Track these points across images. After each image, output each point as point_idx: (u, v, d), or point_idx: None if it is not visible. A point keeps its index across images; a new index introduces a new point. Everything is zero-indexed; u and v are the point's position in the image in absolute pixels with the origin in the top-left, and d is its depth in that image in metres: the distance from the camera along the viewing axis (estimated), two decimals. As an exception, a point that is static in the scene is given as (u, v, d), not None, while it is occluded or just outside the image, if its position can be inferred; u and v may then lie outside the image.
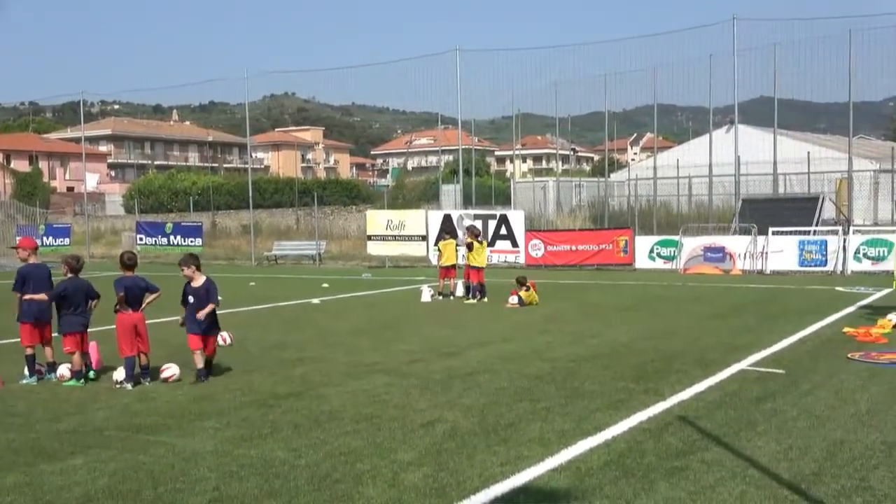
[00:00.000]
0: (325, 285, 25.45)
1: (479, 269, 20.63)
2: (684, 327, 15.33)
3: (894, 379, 10.29)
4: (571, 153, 79.59)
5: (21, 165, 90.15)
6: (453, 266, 21.60)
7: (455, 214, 32.87)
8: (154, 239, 39.00)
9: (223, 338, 12.87)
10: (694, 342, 13.46)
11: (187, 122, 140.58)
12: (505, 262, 31.48)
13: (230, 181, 68.85)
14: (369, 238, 34.49)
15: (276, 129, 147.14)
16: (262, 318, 17.76)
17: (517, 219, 32.31)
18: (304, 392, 10.09)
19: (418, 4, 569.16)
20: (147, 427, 8.60)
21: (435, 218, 32.80)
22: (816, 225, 30.00)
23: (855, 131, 34.77)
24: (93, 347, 11.78)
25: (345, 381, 10.70)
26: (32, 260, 11.54)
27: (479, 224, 30.70)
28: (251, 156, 73.39)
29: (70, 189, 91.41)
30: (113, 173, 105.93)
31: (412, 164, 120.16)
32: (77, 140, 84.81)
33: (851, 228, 28.44)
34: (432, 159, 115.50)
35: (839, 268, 27.13)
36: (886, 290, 21.34)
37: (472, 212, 34.09)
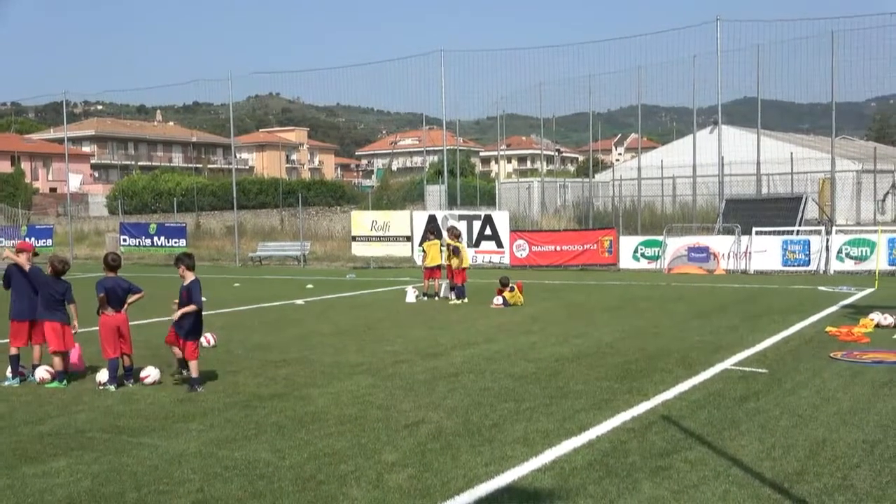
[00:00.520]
0: (310, 286, 25.40)
1: (462, 270, 20.62)
2: (668, 327, 15.38)
3: (876, 378, 10.35)
4: (556, 154, 79.76)
5: (3, 166, 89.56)
6: (438, 267, 21.59)
7: (440, 215, 32.86)
8: (138, 240, 38.82)
9: (206, 339, 12.82)
10: (678, 342, 13.51)
11: (171, 123, 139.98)
12: (490, 262, 31.50)
13: (214, 182, 68.57)
14: (354, 239, 34.45)
15: (261, 130, 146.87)
16: (246, 320, 17.71)
17: (502, 219, 32.33)
18: (289, 393, 10.07)
19: (403, 5, 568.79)
20: (130, 429, 8.56)
21: (420, 218, 32.79)
22: (799, 225, 30.16)
23: (837, 132, 34.99)
24: (75, 349, 11.74)
25: (329, 382, 10.68)
26: (23, 262, 11.48)
27: (463, 225, 30.72)
28: (235, 156, 73.35)
29: (53, 190, 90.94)
30: (96, 174, 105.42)
31: (397, 164, 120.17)
32: (60, 140, 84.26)
33: (834, 228, 28.60)
34: (417, 160, 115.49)
35: (822, 267, 27.27)
36: (869, 290, 21.48)
37: (456, 212, 34.10)
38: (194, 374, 10.40)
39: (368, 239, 33.72)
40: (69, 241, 45.39)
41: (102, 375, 10.65)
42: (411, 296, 20.82)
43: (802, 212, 31.41)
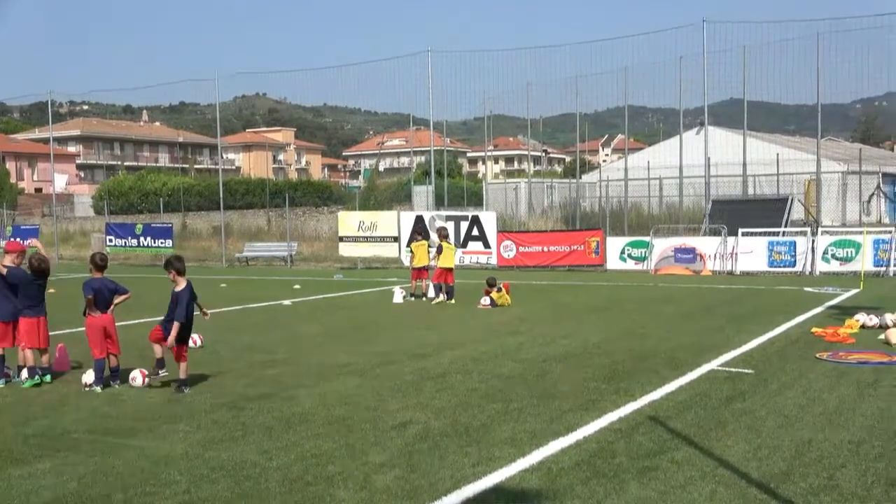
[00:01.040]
0: (297, 287, 25.37)
1: (448, 270, 20.60)
2: (655, 328, 15.42)
3: (862, 378, 10.40)
4: (543, 154, 79.74)
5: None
6: (425, 267, 21.59)
7: (427, 216, 32.86)
8: (124, 240, 38.66)
9: (193, 340, 12.78)
10: (665, 342, 13.54)
11: (157, 123, 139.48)
12: (477, 263, 31.52)
13: (201, 182, 68.36)
14: (341, 239, 34.42)
15: (248, 130, 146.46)
16: (232, 320, 17.67)
17: (489, 220, 32.35)
18: (276, 394, 10.05)
19: (390, 5, 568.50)
20: (117, 430, 8.53)
21: (407, 219, 32.78)
22: (785, 226, 30.29)
23: (823, 133, 35.15)
24: (60, 349, 11.70)
25: (316, 383, 10.67)
26: (9, 262, 11.43)
27: (451, 225, 30.72)
28: (222, 157, 73.15)
29: (38, 190, 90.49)
30: (82, 174, 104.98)
31: (384, 165, 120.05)
32: (45, 140, 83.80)
33: (820, 229, 28.73)
34: (404, 160, 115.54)
35: (808, 268, 27.40)
36: (854, 291, 21.59)
37: (444, 213, 34.11)
38: (182, 376, 10.37)
39: (356, 239, 33.70)
40: (55, 241, 45.17)
41: (88, 376, 10.61)
42: (399, 296, 20.82)
43: (788, 213, 31.55)
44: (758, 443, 7.64)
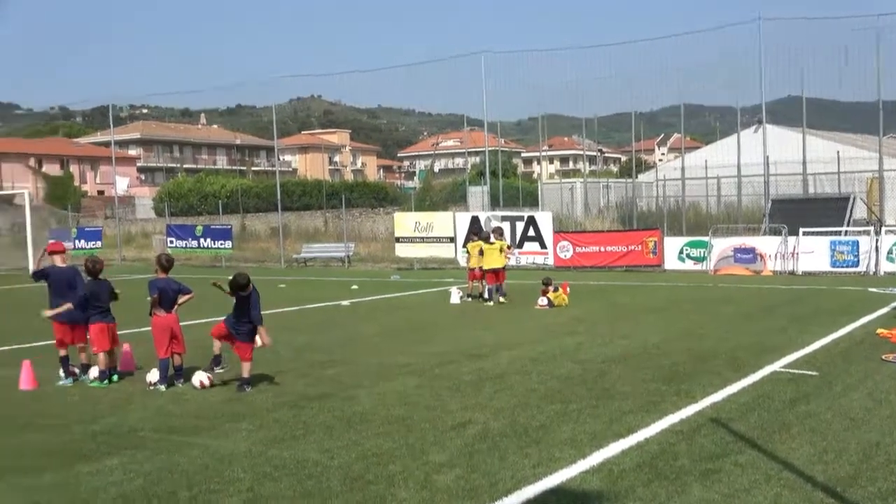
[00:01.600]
0: (355, 287, 25.53)
1: (496, 271, 20.49)
2: (715, 328, 15.24)
3: (929, 380, 10.17)
4: (598, 154, 79.42)
5: (52, 169, 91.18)
6: (482, 268, 21.53)
7: (483, 216, 32.84)
8: (184, 242, 39.24)
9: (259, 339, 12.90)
10: (725, 343, 13.38)
11: (215, 126, 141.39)
12: (533, 263, 31.43)
13: (258, 184, 69.10)
14: (397, 240, 34.56)
15: (303, 132, 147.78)
16: (291, 321, 17.84)
17: (545, 220, 32.23)
18: (335, 394, 10.14)
19: (445, 6, 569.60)
20: (181, 428, 8.67)
21: (463, 220, 32.79)
22: (848, 225, 29.70)
23: (885, 130, 34.38)
24: (125, 349, 11.93)
25: (375, 383, 10.74)
26: (58, 263, 11.68)
27: (506, 226, 30.67)
28: (279, 158, 73.79)
29: (101, 193, 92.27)
30: (143, 177, 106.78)
31: (439, 165, 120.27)
32: (107, 144, 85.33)
33: (884, 229, 28.13)
34: (459, 161, 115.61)
35: (872, 268, 26.85)
36: (920, 291, 21.10)
37: (499, 213, 34.06)
38: (246, 375, 10.50)
39: (412, 240, 33.81)
40: (117, 242, 46.03)
41: (153, 375, 10.81)
42: (456, 297, 20.84)
43: (850, 212, 30.93)
44: (823, 446, 7.52)
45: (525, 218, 32.62)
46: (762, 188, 34.34)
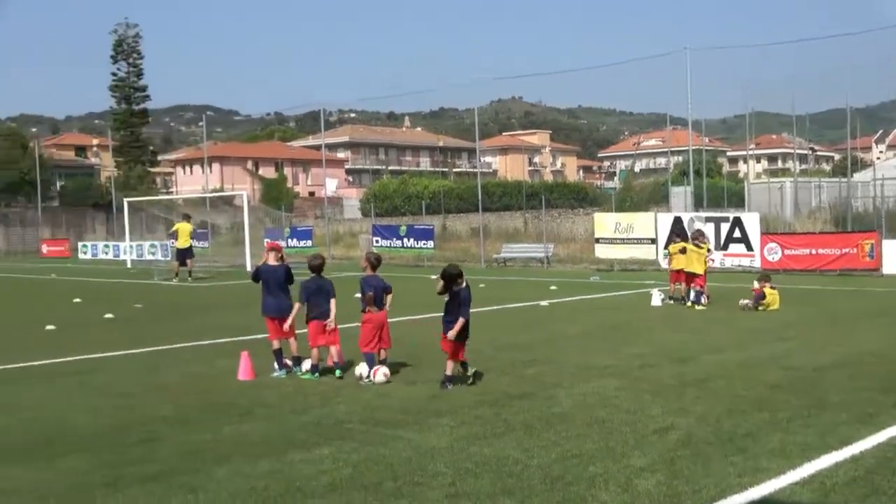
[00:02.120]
0: (554, 288, 25.52)
1: (694, 275, 19.88)
2: (940, 338, 14.23)
3: None
4: (809, 152, 75.80)
5: (268, 172, 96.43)
6: (684, 270, 21.01)
7: (686, 217, 32.04)
8: (389, 241, 40.47)
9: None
10: (952, 354, 12.47)
11: (419, 129, 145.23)
12: (738, 266, 30.37)
13: (460, 185, 70.34)
14: (597, 241, 34.27)
15: (504, 134, 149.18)
16: (492, 320, 18.03)
17: (752, 221, 31.07)
18: (536, 393, 10.19)
19: (644, 3, 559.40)
20: (386, 422, 8.96)
21: (664, 220, 32.12)
22: None
23: None
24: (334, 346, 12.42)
25: (575, 384, 10.71)
26: (271, 261, 12.27)
27: (710, 227, 29.80)
28: (480, 160, 74.84)
29: (311, 194, 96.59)
30: (350, 178, 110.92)
31: (640, 165, 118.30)
32: (318, 147, 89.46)
33: None
34: (661, 161, 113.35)
35: None
36: None
37: (703, 214, 33.12)
38: (449, 373, 10.62)
39: (612, 241, 33.44)
40: (326, 242, 48.03)
41: (362, 369, 11.21)
42: (657, 299, 20.45)
43: None
44: None
45: (730, 219, 31.58)
46: None
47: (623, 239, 33.07)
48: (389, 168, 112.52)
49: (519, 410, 9.28)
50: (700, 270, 19.93)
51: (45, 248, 62.00)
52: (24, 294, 29.05)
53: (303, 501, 6.52)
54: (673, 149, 65.44)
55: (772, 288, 18.68)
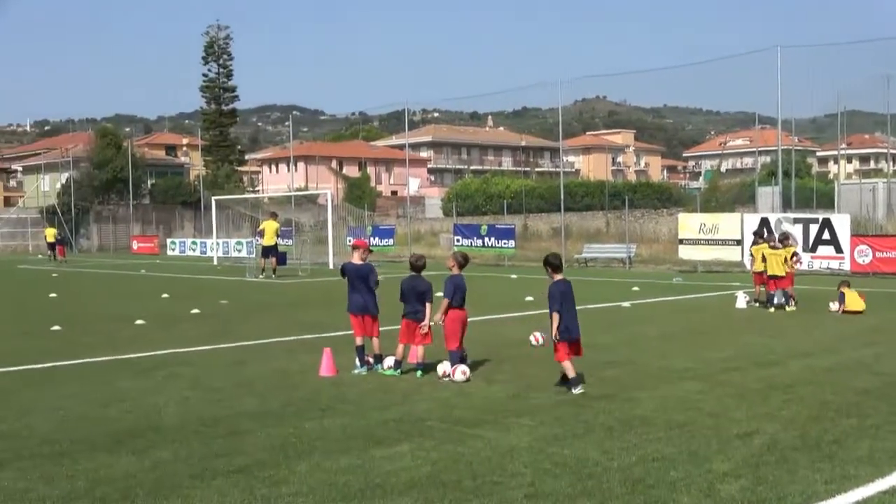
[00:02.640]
0: (636, 289, 25.27)
1: (777, 278, 19.42)
2: None
3: None
4: (905, 152, 73.42)
5: (351, 171, 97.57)
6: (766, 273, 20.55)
7: (773, 218, 31.40)
8: (470, 240, 40.54)
9: (535, 338, 13.13)
10: None
11: (501, 128, 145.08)
12: (827, 268, 29.64)
13: (542, 185, 70.08)
14: (681, 242, 33.80)
15: (587, 133, 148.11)
16: (572, 320, 17.90)
17: (842, 223, 30.30)
18: (616, 395, 10.12)
19: (734, 2, 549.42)
20: (465, 420, 8.99)
21: (751, 221, 31.52)
22: None
23: None
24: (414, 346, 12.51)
25: (656, 386, 10.60)
26: (355, 259, 12.41)
27: (798, 228, 29.15)
28: (563, 159, 74.36)
29: (394, 193, 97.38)
30: (432, 178, 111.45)
31: (726, 165, 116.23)
32: (401, 147, 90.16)
33: None
34: (747, 161, 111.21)
35: None
36: None
37: (791, 215, 32.42)
38: (571, 374, 10.43)
39: (696, 242, 32.95)
40: (408, 240, 48.31)
41: (445, 366, 11.28)
42: (742, 301, 20.08)
43: None
44: None
45: (819, 220, 30.85)
46: None
47: (708, 240, 32.57)
48: (471, 167, 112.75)
49: (599, 412, 9.22)
50: (781, 273, 19.46)
51: (135, 245, 63.81)
52: (116, 289, 29.91)
53: (382, 497, 6.58)
54: (761, 148, 64.20)
55: (848, 287, 18.38)
